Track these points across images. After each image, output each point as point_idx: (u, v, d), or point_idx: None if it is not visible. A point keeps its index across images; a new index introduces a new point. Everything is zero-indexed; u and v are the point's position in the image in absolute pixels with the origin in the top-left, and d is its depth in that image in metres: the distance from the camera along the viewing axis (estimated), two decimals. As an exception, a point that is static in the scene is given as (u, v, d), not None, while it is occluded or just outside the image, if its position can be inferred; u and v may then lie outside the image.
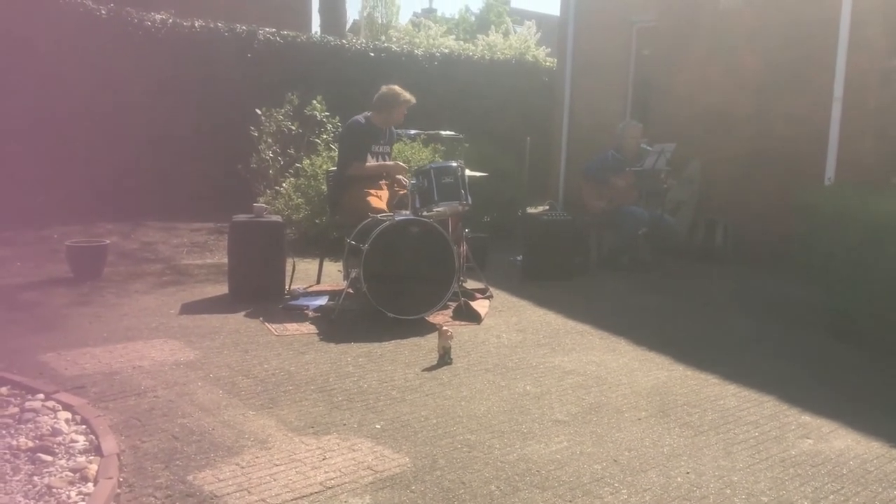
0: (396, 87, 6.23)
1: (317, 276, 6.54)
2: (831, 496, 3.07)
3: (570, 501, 2.93)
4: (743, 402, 4.12)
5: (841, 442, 3.62)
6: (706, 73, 9.01)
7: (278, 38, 10.74)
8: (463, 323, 5.48)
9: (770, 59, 8.34)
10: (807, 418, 3.91)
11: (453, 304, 5.75)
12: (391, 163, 6.36)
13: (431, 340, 4.91)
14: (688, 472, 3.23)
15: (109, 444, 3.17)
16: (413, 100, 6.26)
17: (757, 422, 3.84)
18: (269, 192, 8.73)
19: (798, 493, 3.09)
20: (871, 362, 4.97)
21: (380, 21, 20.83)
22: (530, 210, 8.93)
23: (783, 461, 3.39)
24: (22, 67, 8.70)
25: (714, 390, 4.28)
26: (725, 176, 8.71)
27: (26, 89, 8.74)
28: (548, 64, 13.79)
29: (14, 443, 3.14)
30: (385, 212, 5.74)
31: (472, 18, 32.14)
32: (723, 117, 8.82)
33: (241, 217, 5.98)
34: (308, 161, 8.46)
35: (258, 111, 9.04)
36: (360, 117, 6.26)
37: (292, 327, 5.18)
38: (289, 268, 6.13)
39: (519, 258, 7.55)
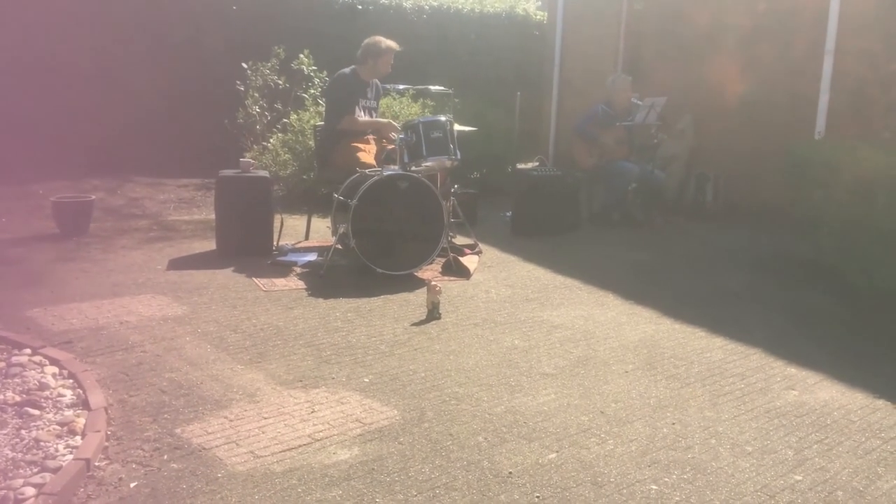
0: (378, 36, 6.13)
1: (305, 233, 6.51)
2: (815, 446, 3.11)
3: (557, 452, 2.96)
4: (729, 354, 4.15)
5: (826, 393, 3.66)
6: (698, 26, 8.90)
7: (264, -10, 10.51)
8: (452, 278, 5.48)
9: (762, 12, 8.24)
10: (792, 370, 3.94)
11: (442, 260, 5.74)
12: (384, 120, 6.27)
13: (420, 296, 4.91)
14: (674, 423, 3.26)
15: (97, 397, 3.17)
16: (397, 47, 6.16)
17: (743, 374, 3.87)
18: (256, 147, 8.63)
19: (782, 442, 3.12)
20: (858, 316, 5.00)
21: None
22: (520, 166, 8.87)
23: (768, 412, 3.42)
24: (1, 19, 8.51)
25: (701, 343, 4.31)
26: (717, 130, 8.66)
27: (9, 42, 8.55)
28: (538, 17, 13.57)
29: (1, 397, 3.14)
30: (373, 167, 5.69)
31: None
32: (714, 71, 8.73)
33: (228, 172, 5.92)
34: (295, 116, 8.35)
35: (244, 65, 8.89)
36: (347, 70, 6.16)
37: (280, 283, 5.16)
38: (277, 224, 6.09)
39: (508, 214, 7.53)
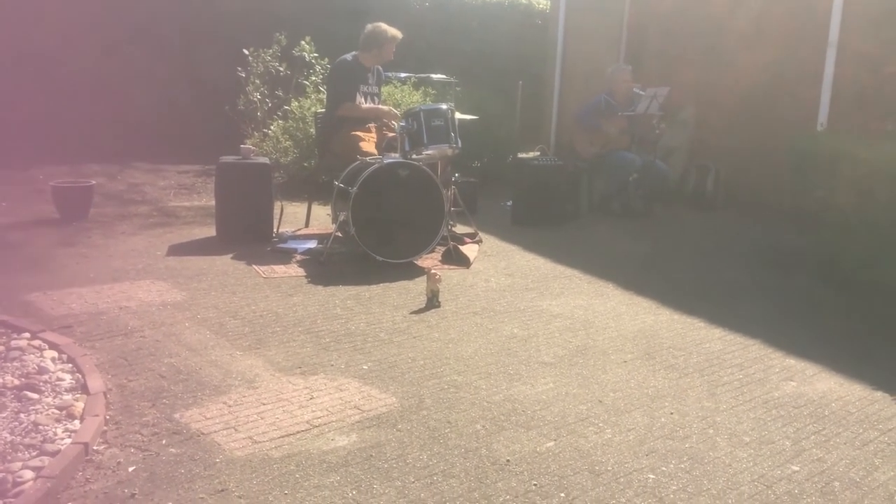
0: (382, 24, 6.10)
1: (305, 220, 6.50)
2: (812, 437, 3.12)
3: (555, 440, 2.97)
4: (728, 345, 4.15)
5: (824, 384, 3.66)
6: (701, 17, 8.87)
7: (265, -23, 10.46)
8: (452, 267, 5.48)
9: (765, 3, 8.20)
10: (791, 361, 3.95)
11: (442, 248, 5.73)
12: (385, 108, 6.25)
13: (420, 284, 4.91)
14: (672, 413, 3.27)
15: (96, 382, 3.17)
16: (400, 35, 6.14)
17: (741, 364, 3.87)
18: (256, 134, 8.62)
19: (780, 433, 3.13)
20: (857, 308, 5.01)
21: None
22: (521, 155, 8.85)
23: (766, 403, 3.42)
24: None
25: (700, 334, 4.31)
26: (718, 121, 8.64)
27: (9, 30, 8.53)
28: (541, 6, 13.52)
29: (0, 381, 3.14)
30: (374, 155, 5.68)
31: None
32: (717, 61, 8.71)
33: (229, 159, 5.91)
34: (296, 103, 8.33)
35: (245, 51, 8.87)
36: (348, 56, 6.14)
37: (280, 270, 5.16)
38: (277, 211, 6.08)
39: (509, 203, 7.52)
